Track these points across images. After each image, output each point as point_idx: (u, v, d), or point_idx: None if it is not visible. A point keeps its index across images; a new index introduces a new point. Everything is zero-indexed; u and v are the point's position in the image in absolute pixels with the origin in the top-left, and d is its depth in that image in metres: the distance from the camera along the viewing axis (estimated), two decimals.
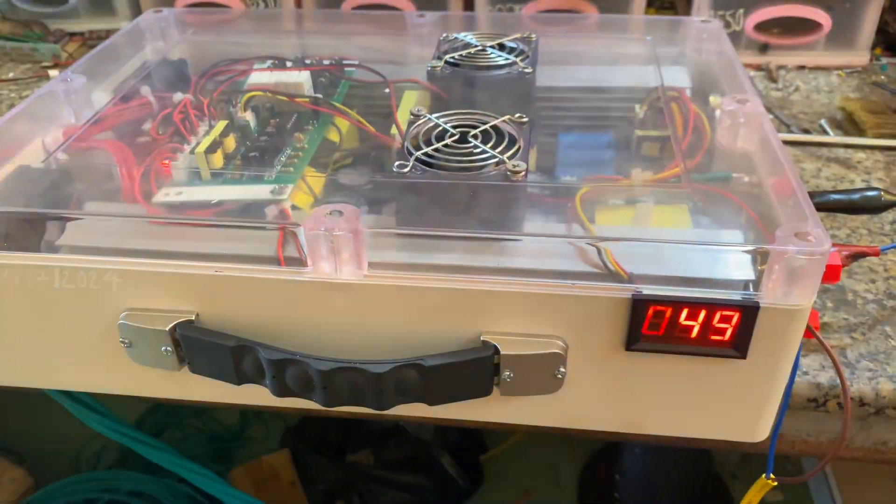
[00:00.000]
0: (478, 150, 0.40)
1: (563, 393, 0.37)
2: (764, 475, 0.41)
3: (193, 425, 1.27)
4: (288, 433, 1.28)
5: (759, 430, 0.38)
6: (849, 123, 0.67)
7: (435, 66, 0.49)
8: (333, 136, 0.48)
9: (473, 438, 1.27)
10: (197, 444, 1.24)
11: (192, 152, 0.42)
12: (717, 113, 0.47)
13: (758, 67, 0.76)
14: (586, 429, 0.39)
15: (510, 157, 0.39)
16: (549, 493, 1.22)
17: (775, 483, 0.41)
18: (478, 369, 0.35)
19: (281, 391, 0.37)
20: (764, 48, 0.77)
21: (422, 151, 0.40)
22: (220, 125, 0.44)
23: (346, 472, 1.21)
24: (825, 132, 0.66)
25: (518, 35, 0.53)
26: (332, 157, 0.47)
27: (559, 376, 0.36)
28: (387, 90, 0.49)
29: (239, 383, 0.37)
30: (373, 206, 0.42)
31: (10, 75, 0.77)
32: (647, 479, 1.17)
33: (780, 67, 0.76)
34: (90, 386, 0.42)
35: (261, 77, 0.49)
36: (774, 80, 0.74)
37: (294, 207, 0.41)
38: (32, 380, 0.42)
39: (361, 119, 0.47)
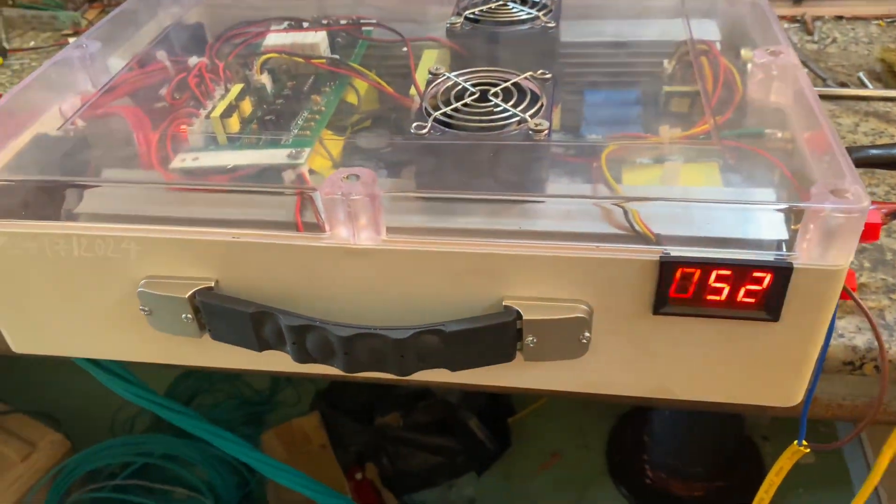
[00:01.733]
0: (498, 109, 0.39)
1: (587, 358, 0.36)
2: (796, 441, 0.40)
3: (224, 390, 1.29)
4: (318, 396, 1.29)
5: (792, 394, 0.37)
6: (889, 75, 0.64)
7: (454, 23, 0.48)
8: (351, 98, 0.47)
9: (501, 401, 1.27)
10: (228, 408, 1.26)
11: (207, 117, 0.42)
12: (749, 66, 0.45)
13: (792, 19, 0.73)
14: (612, 394, 0.38)
15: (532, 116, 0.38)
16: (577, 456, 1.22)
17: (808, 450, 0.40)
18: (500, 335, 0.35)
19: (302, 357, 0.36)
20: None
21: (440, 111, 0.39)
22: (236, 89, 0.44)
23: (375, 434, 1.22)
24: (864, 85, 0.63)
25: None
26: (351, 120, 0.46)
27: (584, 341, 0.35)
28: (405, 49, 0.47)
29: (260, 350, 0.37)
30: (392, 168, 0.41)
31: (31, 44, 0.77)
32: (676, 441, 1.16)
33: (816, 19, 0.73)
34: (112, 354, 0.42)
35: (277, 38, 0.48)
36: (810, 32, 0.71)
37: (312, 172, 0.40)
38: (56, 348, 0.43)
39: (379, 80, 0.46)
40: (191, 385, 1.29)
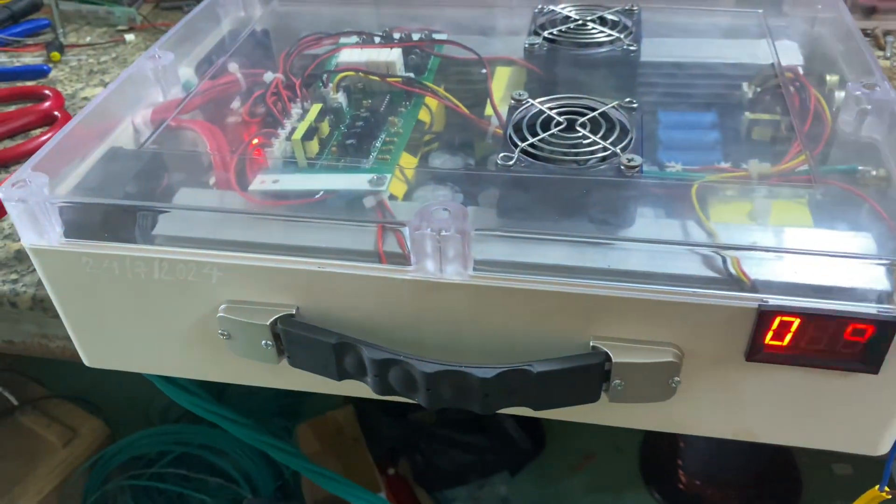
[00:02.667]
0: (587, 141, 0.38)
1: (674, 400, 0.35)
2: (878, 486, 0.39)
3: None
4: None
5: (879, 443, 0.36)
6: None
7: (532, 44, 0.47)
8: (424, 117, 0.46)
9: None
10: (264, 399, 1.27)
11: (287, 138, 0.41)
12: (837, 95, 0.44)
13: (863, 33, 0.71)
14: (693, 433, 0.38)
15: (623, 150, 0.37)
16: (611, 459, 1.22)
17: (889, 496, 0.39)
18: (587, 376, 0.34)
19: (383, 390, 0.36)
20: (870, 11, 0.71)
21: (527, 142, 0.38)
22: (315, 109, 0.43)
23: (408, 430, 1.22)
24: None
25: (619, 7, 0.50)
26: (423, 140, 0.45)
27: (673, 385, 0.34)
28: (483, 70, 0.46)
29: (340, 380, 0.37)
30: (470, 196, 0.40)
31: (87, 39, 0.77)
32: (712, 448, 1.15)
33: (887, 33, 0.71)
34: (186, 373, 0.42)
35: (351, 55, 0.48)
36: (882, 48, 0.69)
37: (390, 197, 0.40)
38: (129, 364, 0.43)
39: (456, 101, 0.45)
40: None
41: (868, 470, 0.39)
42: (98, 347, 0.42)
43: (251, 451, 1.13)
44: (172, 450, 1.12)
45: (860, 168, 0.39)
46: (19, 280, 0.48)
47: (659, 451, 1.22)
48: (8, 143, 0.61)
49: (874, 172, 0.39)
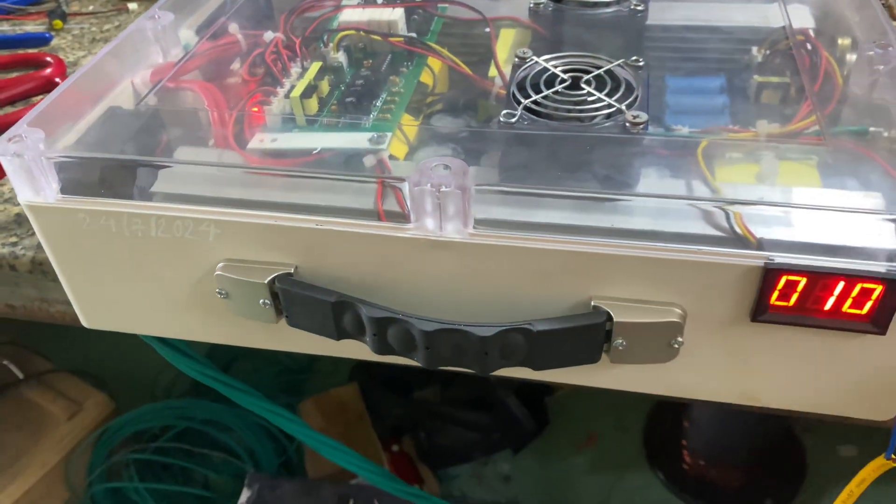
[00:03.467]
0: (592, 98, 0.37)
1: (676, 362, 0.35)
2: (883, 455, 0.39)
3: (264, 356, 1.30)
4: (356, 368, 1.29)
5: (888, 408, 0.36)
6: None
7: (538, 3, 0.46)
8: (427, 79, 0.45)
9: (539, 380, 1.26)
10: (268, 376, 1.27)
11: (286, 96, 0.41)
12: (849, 58, 0.43)
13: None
14: (695, 398, 0.37)
15: (628, 107, 0.36)
16: (615, 438, 1.22)
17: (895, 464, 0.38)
18: (588, 336, 0.34)
19: (381, 349, 0.35)
20: None
21: (531, 99, 0.37)
22: (315, 67, 0.42)
23: (412, 408, 1.22)
24: None
25: None
26: (425, 102, 0.45)
27: (675, 346, 0.34)
28: (487, 30, 0.45)
29: (338, 339, 0.36)
30: (470, 155, 0.39)
31: (90, 8, 0.76)
32: (717, 428, 1.15)
33: None
34: (185, 334, 0.42)
35: (352, 14, 0.47)
36: (895, 18, 0.68)
37: (391, 157, 0.39)
38: (128, 326, 0.42)
39: (459, 61, 0.44)
40: (229, 350, 1.30)
41: (874, 451, 0.38)
42: (96, 308, 0.42)
43: (255, 426, 1.14)
44: (176, 424, 1.13)
45: (871, 129, 0.38)
46: (19, 243, 0.47)
47: (663, 430, 1.22)
48: (9, 110, 0.61)
49: (886, 133, 0.38)
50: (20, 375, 1.08)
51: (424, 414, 1.22)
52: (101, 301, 0.41)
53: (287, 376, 1.28)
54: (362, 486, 0.93)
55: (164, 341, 0.46)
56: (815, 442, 1.19)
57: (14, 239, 0.48)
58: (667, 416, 1.24)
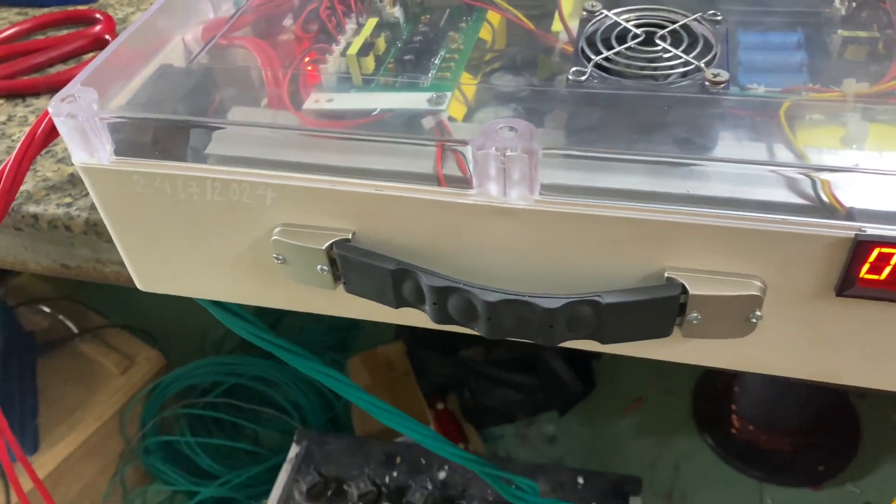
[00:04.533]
0: (667, 55, 0.35)
1: (752, 337, 0.33)
2: None
3: (311, 315, 1.31)
4: (402, 327, 1.30)
5: None
6: None
7: None
8: (486, 35, 0.43)
9: None
10: (315, 333, 1.28)
11: (342, 54, 0.39)
12: None
13: None
14: (770, 373, 0.35)
15: (706, 65, 0.34)
16: (662, 401, 1.20)
17: None
18: (661, 309, 0.32)
19: (442, 318, 0.34)
20: None
21: (601, 56, 0.35)
22: (371, 23, 0.41)
23: (457, 367, 1.23)
24: None
25: None
26: (484, 59, 0.43)
27: (753, 320, 0.32)
28: None
29: (397, 307, 0.35)
30: (533, 116, 0.37)
31: None
32: (768, 393, 1.13)
33: None
34: (240, 298, 0.41)
35: None
36: None
37: (448, 119, 0.37)
38: (182, 289, 0.42)
39: (521, 15, 0.42)
40: (276, 309, 1.31)
41: None
42: (151, 271, 0.42)
43: (303, 383, 1.15)
44: (226, 380, 1.15)
45: None
46: (73, 204, 0.47)
47: (712, 395, 1.20)
48: (61, 68, 0.61)
49: None
50: (75, 330, 1.10)
51: (469, 373, 1.22)
52: (156, 264, 0.41)
53: (334, 334, 1.29)
54: (409, 444, 0.94)
55: (219, 304, 0.46)
56: (869, 408, 1.16)
57: (68, 199, 0.47)
58: (717, 380, 1.22)
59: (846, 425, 1.15)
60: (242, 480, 1.04)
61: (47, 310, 1.13)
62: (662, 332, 0.33)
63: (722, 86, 0.33)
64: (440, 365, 1.23)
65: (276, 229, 0.36)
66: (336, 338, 1.27)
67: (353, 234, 0.35)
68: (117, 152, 0.37)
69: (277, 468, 0.90)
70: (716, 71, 0.33)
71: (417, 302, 0.35)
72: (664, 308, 0.32)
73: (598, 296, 0.31)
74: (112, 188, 0.38)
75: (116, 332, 1.12)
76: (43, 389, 1.04)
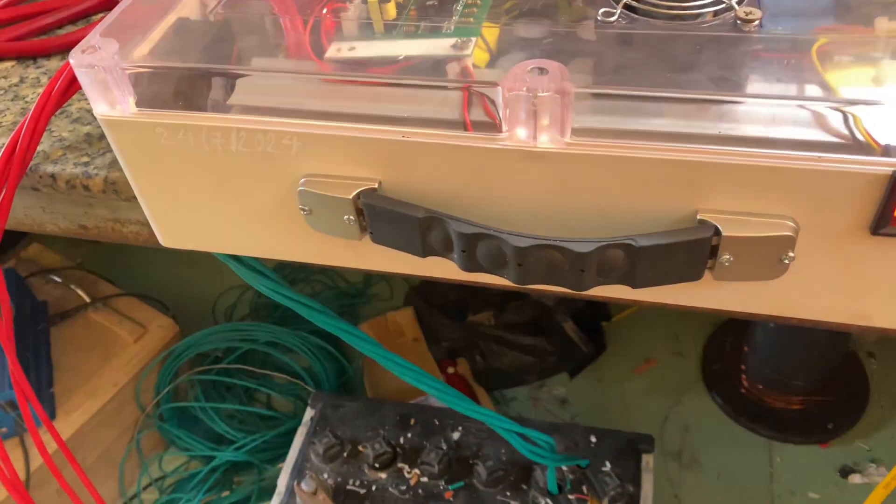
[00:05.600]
0: None
1: (784, 280, 0.33)
2: None
3: (321, 281, 1.31)
4: (411, 292, 1.30)
5: None
6: None
7: None
8: None
9: (597, 305, 1.25)
10: (325, 300, 1.28)
11: (363, 1, 0.38)
12: None
13: None
14: (802, 318, 0.35)
15: (739, 2, 0.33)
16: (672, 362, 1.21)
17: None
18: (694, 252, 0.32)
19: (470, 266, 0.34)
20: None
21: None
22: None
23: (467, 331, 1.23)
24: None
25: None
26: (504, 5, 0.42)
27: (786, 261, 0.32)
28: None
29: (424, 256, 0.35)
30: (565, 59, 0.37)
31: None
32: (777, 352, 1.13)
33: None
34: (266, 252, 0.41)
35: None
36: None
37: (472, 66, 0.37)
38: (207, 244, 0.42)
39: None
40: (287, 275, 1.31)
41: None
42: (174, 226, 0.41)
43: (315, 348, 1.16)
44: (239, 347, 1.16)
45: None
46: (91, 163, 0.47)
47: (722, 355, 1.21)
48: (70, 29, 0.60)
49: None
50: (87, 299, 1.11)
51: (480, 337, 1.22)
52: (179, 218, 0.41)
53: (344, 300, 1.30)
54: (423, 406, 0.94)
55: (237, 259, 0.46)
56: (878, 366, 1.17)
57: (86, 159, 0.47)
58: (725, 340, 1.22)
59: (855, 383, 1.15)
60: (258, 445, 1.05)
61: (58, 279, 1.14)
62: (694, 275, 0.33)
63: (755, 23, 0.33)
64: (450, 330, 1.24)
65: (302, 179, 0.35)
66: (345, 304, 1.28)
67: (380, 183, 0.35)
68: (139, 104, 0.37)
69: (292, 432, 0.91)
70: (748, 9, 0.33)
71: (445, 251, 0.34)
72: (697, 250, 0.32)
73: (632, 239, 0.31)
74: (135, 141, 0.37)
75: (128, 301, 1.13)
76: (57, 359, 1.05)
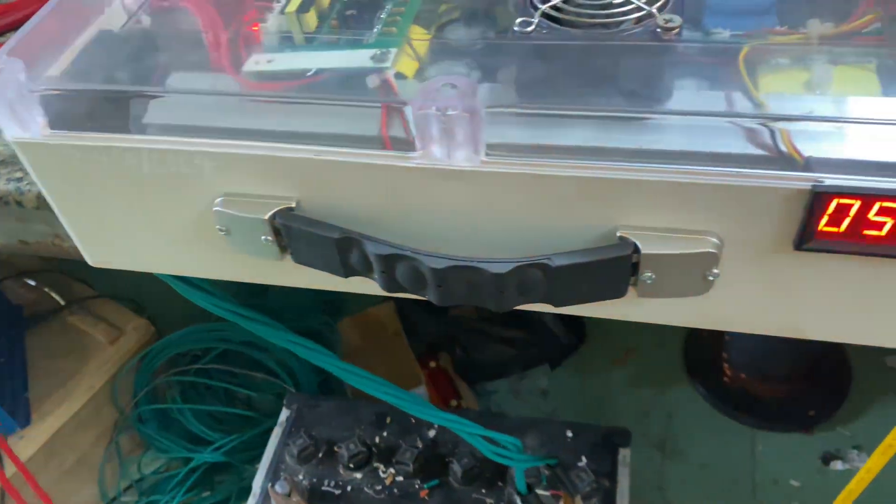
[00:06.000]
0: (618, 1, 0.33)
1: (711, 294, 0.32)
2: None
3: None
4: None
5: None
6: None
7: None
8: None
9: None
10: (306, 296, 1.27)
11: (282, 12, 0.37)
12: None
13: None
14: (733, 330, 0.34)
15: (660, 9, 0.32)
16: (653, 353, 1.20)
17: None
18: (613, 270, 0.31)
19: (392, 287, 0.33)
20: None
21: (549, 4, 0.33)
22: None
23: (448, 325, 1.22)
24: None
25: None
26: (438, 11, 0.41)
27: (710, 278, 0.31)
28: None
29: (346, 276, 0.34)
30: (487, 71, 0.36)
31: None
32: (759, 341, 1.12)
33: None
34: (189, 271, 0.40)
35: None
36: None
37: (399, 75, 0.36)
38: (132, 263, 0.41)
39: None
40: None
41: None
42: (99, 246, 0.41)
43: (302, 357, 1.15)
44: (216, 346, 1.15)
45: None
46: (24, 178, 0.46)
47: (703, 344, 1.20)
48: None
49: None
50: (62, 302, 1.10)
51: (461, 331, 1.22)
52: (103, 239, 0.40)
53: (325, 295, 1.29)
54: None
55: (179, 276, 0.45)
56: (861, 352, 1.16)
57: (19, 174, 0.46)
58: (707, 330, 1.21)
59: (837, 370, 1.15)
60: (236, 445, 1.05)
61: (33, 283, 1.13)
62: (617, 292, 0.32)
63: (675, 32, 0.31)
64: (431, 323, 1.23)
65: (218, 199, 0.34)
66: (326, 300, 1.27)
67: (297, 202, 0.34)
68: (53, 125, 0.36)
69: (271, 431, 0.90)
70: (668, 16, 0.31)
71: (366, 271, 0.34)
72: (616, 268, 0.31)
73: (548, 258, 0.30)
74: (49, 163, 0.36)
75: (104, 303, 1.12)
76: (32, 363, 1.04)
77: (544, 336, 1.20)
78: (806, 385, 1.13)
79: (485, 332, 1.22)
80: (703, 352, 1.19)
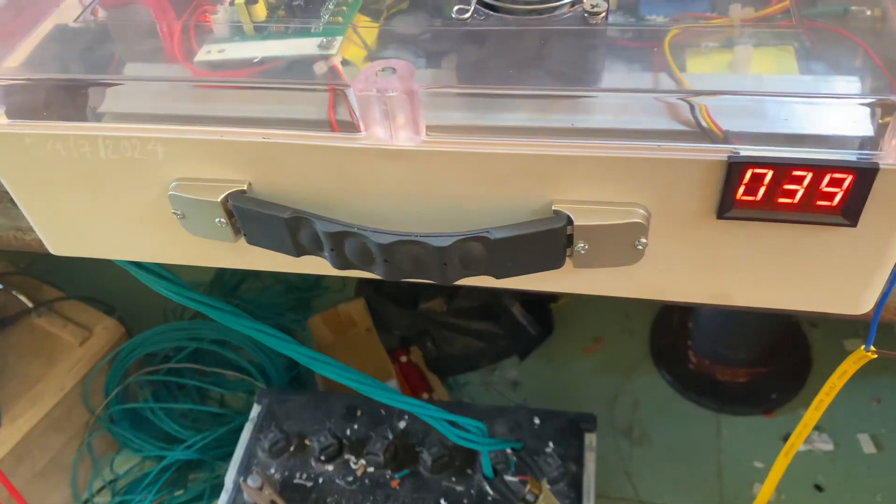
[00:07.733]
0: None
1: (642, 264, 0.34)
2: (863, 346, 0.38)
3: (272, 275, 1.31)
4: (362, 283, 1.30)
5: (862, 302, 0.35)
6: None
7: None
8: None
9: None
10: (275, 294, 1.28)
11: (232, 3, 0.39)
12: None
13: None
14: (666, 300, 0.36)
15: None
16: (621, 341, 1.23)
17: (875, 356, 0.38)
18: (549, 241, 0.32)
19: (341, 264, 0.35)
20: None
21: None
22: None
23: (419, 319, 1.24)
24: None
25: None
26: (386, 2, 0.42)
27: (639, 247, 0.33)
28: None
29: (297, 255, 0.36)
30: (432, 58, 0.37)
31: None
32: (721, 327, 1.15)
33: None
34: (148, 256, 0.41)
35: None
36: None
37: (346, 63, 0.37)
38: (93, 251, 0.42)
39: None
40: (238, 270, 1.31)
41: (882, 345, 0.38)
42: (60, 234, 0.41)
43: (264, 344, 1.15)
44: (187, 345, 1.15)
45: (852, 8, 0.36)
46: None
47: (669, 332, 1.23)
48: None
49: (868, 12, 0.35)
50: (29, 304, 1.10)
51: (431, 325, 1.23)
52: (63, 227, 0.41)
53: (295, 294, 1.30)
54: (369, 397, 0.95)
55: (139, 265, 0.46)
56: (821, 336, 1.19)
57: None
58: (673, 318, 1.24)
59: (798, 354, 1.18)
60: (209, 442, 1.05)
61: (0, 286, 1.12)
62: (554, 263, 0.33)
63: (601, 16, 0.33)
64: (402, 318, 1.25)
65: (173, 184, 0.36)
66: (296, 297, 1.28)
67: (249, 184, 0.35)
68: (10, 115, 0.37)
69: (243, 428, 0.91)
70: (594, 2, 0.33)
71: (316, 249, 0.35)
72: (552, 240, 0.32)
73: (487, 231, 0.32)
74: (7, 153, 0.37)
75: (72, 304, 1.12)
76: (1, 365, 1.04)
77: (513, 327, 1.22)
78: (768, 369, 1.16)
79: (455, 326, 1.24)
80: (668, 339, 1.22)
